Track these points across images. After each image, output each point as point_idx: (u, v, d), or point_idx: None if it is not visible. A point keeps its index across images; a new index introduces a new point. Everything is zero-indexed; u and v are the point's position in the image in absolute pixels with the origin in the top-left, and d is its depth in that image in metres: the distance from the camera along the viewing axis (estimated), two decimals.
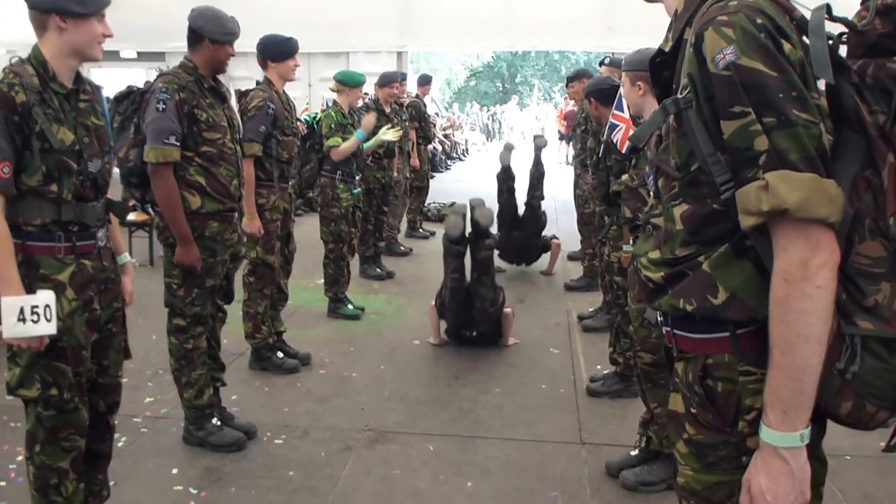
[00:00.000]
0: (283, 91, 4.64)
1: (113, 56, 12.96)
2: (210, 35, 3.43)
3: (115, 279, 2.68)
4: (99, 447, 2.76)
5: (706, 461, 1.42)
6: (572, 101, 8.25)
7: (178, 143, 3.31)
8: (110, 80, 12.94)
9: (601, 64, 6.16)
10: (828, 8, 1.33)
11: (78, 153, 2.43)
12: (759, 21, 1.26)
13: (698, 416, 1.42)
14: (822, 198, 1.21)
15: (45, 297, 2.32)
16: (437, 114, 19.16)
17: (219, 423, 3.70)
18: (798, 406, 1.27)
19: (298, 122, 4.91)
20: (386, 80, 7.33)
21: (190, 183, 3.39)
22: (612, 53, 11.36)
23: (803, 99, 1.23)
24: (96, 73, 12.71)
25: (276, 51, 4.55)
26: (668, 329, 1.50)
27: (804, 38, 1.31)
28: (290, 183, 4.77)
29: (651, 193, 1.59)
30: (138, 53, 13.76)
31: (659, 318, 1.53)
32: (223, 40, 3.44)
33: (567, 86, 7.30)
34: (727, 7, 1.29)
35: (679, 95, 1.38)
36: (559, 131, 16.88)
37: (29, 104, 2.31)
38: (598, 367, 4.72)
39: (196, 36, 3.46)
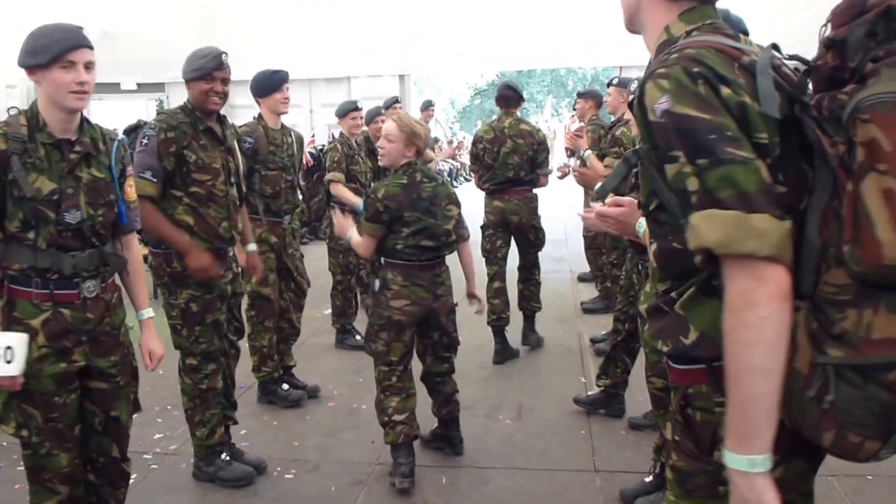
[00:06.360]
0: (274, 125, 4.61)
1: (113, 88, 13.05)
2: (184, 75, 3.50)
3: (110, 332, 2.65)
4: (112, 493, 2.76)
5: (686, 488, 1.47)
6: (577, 120, 8.20)
7: (154, 180, 3.33)
8: (112, 113, 13.03)
9: (609, 84, 6.13)
10: (775, 47, 1.42)
11: (56, 203, 2.44)
12: (695, 70, 1.33)
13: (681, 444, 1.48)
14: (745, 234, 1.24)
15: (11, 338, 2.35)
16: (450, 140, 19.00)
17: (228, 458, 3.67)
18: (746, 434, 1.29)
19: (288, 157, 4.68)
20: (371, 116, 6.24)
21: (178, 222, 3.41)
22: (621, 69, 11.31)
23: (736, 139, 1.28)
24: (97, 106, 12.79)
25: (262, 86, 4.55)
26: (665, 359, 1.55)
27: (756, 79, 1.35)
28: (288, 217, 4.70)
29: None
30: (138, 85, 13.91)
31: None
32: (192, 77, 3.46)
33: (576, 104, 7.19)
34: (668, 60, 1.37)
35: (639, 145, 1.47)
36: (566, 148, 16.94)
37: (8, 153, 2.37)
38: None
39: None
